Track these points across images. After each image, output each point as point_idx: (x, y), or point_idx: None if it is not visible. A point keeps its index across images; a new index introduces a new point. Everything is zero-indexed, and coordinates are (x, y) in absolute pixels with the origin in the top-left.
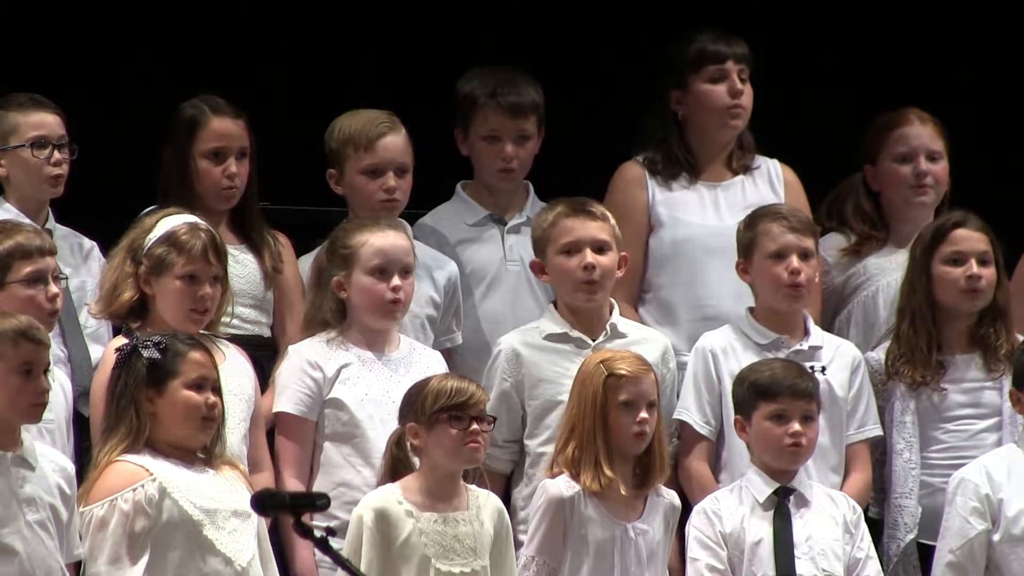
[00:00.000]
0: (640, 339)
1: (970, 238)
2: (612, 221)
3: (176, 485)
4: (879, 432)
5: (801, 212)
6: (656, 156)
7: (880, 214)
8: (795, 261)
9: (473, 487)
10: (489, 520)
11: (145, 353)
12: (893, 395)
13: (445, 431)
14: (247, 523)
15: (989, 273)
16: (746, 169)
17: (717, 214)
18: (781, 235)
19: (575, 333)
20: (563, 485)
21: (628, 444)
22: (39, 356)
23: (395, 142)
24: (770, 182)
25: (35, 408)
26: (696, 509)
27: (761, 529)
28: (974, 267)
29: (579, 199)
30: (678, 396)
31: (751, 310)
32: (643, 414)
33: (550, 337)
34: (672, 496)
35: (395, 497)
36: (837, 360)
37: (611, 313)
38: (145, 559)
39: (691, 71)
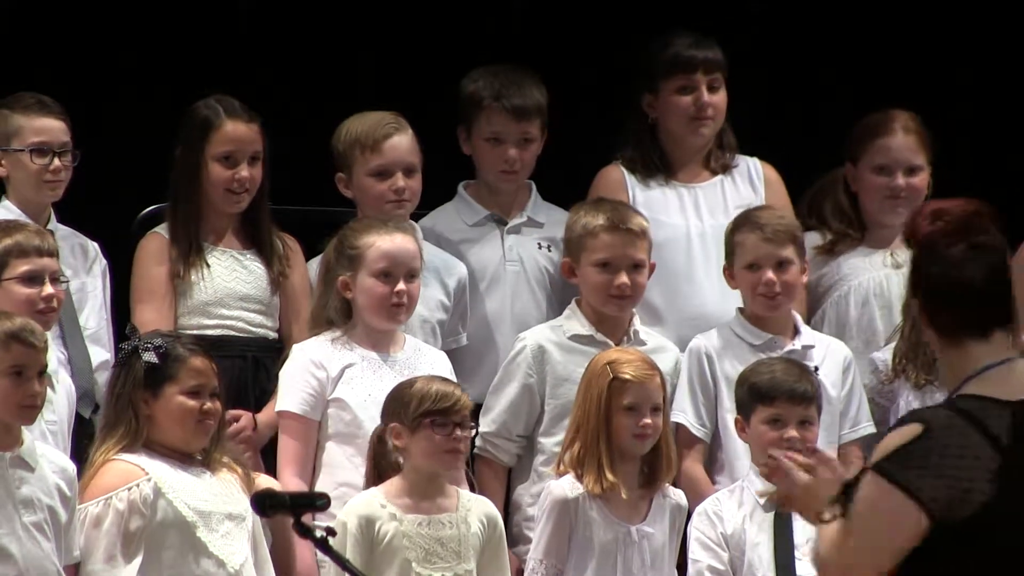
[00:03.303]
0: (657, 347)
1: None
2: (649, 235)
3: (171, 485)
4: (873, 430)
5: (782, 218)
6: (635, 157)
7: (858, 213)
8: (769, 273)
9: (464, 490)
10: (477, 523)
11: (144, 356)
12: (899, 395)
13: (428, 436)
14: (241, 526)
15: None
16: (725, 169)
17: (697, 214)
18: (755, 247)
19: (600, 336)
20: (568, 486)
21: (630, 446)
22: (30, 359)
23: (402, 142)
24: (750, 181)
25: (25, 410)
26: (697, 510)
27: (762, 531)
28: None
29: (620, 209)
30: None
31: (741, 311)
32: (646, 419)
33: (575, 338)
34: (679, 496)
35: (378, 501)
36: (829, 359)
37: (632, 319)
38: (139, 559)
39: (662, 78)
